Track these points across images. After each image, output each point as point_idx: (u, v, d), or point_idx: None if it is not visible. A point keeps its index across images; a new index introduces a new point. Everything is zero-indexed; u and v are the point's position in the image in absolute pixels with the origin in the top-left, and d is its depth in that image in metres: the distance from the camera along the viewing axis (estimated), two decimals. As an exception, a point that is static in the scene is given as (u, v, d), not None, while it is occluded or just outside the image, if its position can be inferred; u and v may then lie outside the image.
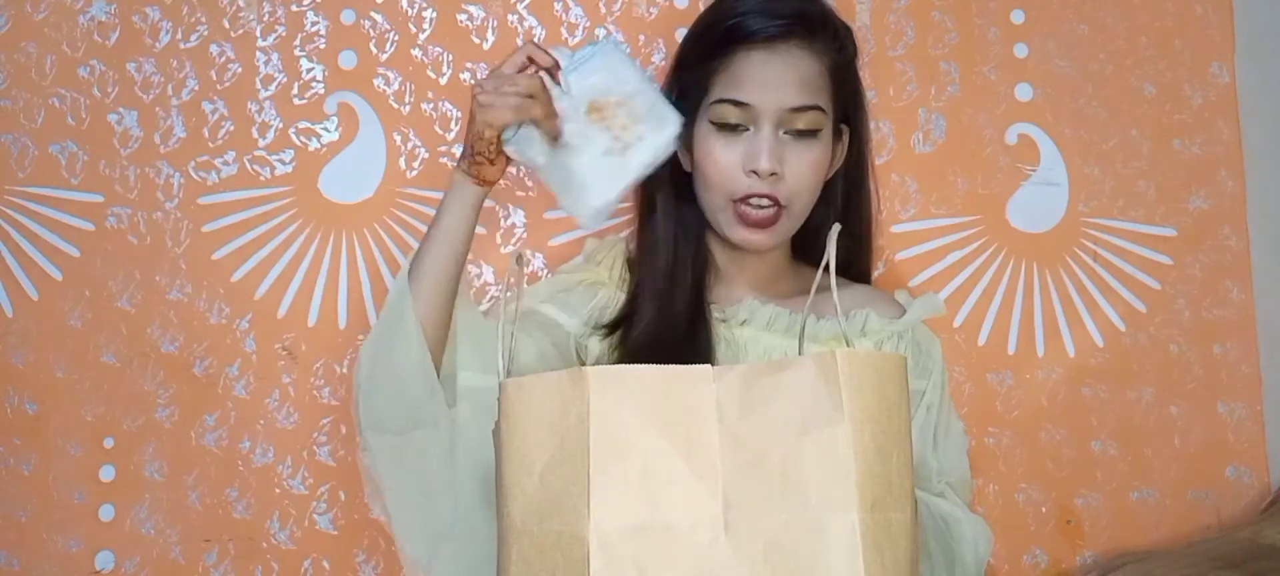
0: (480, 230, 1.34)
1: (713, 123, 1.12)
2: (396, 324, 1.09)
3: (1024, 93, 1.45)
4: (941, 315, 1.26)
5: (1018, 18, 1.45)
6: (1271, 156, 1.46)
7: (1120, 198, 1.45)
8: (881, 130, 1.41)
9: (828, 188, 1.18)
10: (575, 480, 0.74)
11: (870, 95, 1.40)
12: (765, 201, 1.10)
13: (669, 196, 1.18)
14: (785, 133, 1.10)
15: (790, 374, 0.77)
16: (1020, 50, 1.45)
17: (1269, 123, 1.47)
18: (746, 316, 1.15)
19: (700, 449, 0.75)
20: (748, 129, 1.11)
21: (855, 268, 1.25)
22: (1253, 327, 1.45)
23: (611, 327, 1.15)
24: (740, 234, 1.12)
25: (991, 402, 1.40)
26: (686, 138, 1.15)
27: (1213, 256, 1.45)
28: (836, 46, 1.15)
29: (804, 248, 1.22)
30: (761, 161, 1.08)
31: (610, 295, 1.20)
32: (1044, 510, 1.40)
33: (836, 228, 0.90)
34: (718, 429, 0.76)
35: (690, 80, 1.16)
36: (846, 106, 1.18)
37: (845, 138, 1.19)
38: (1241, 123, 1.47)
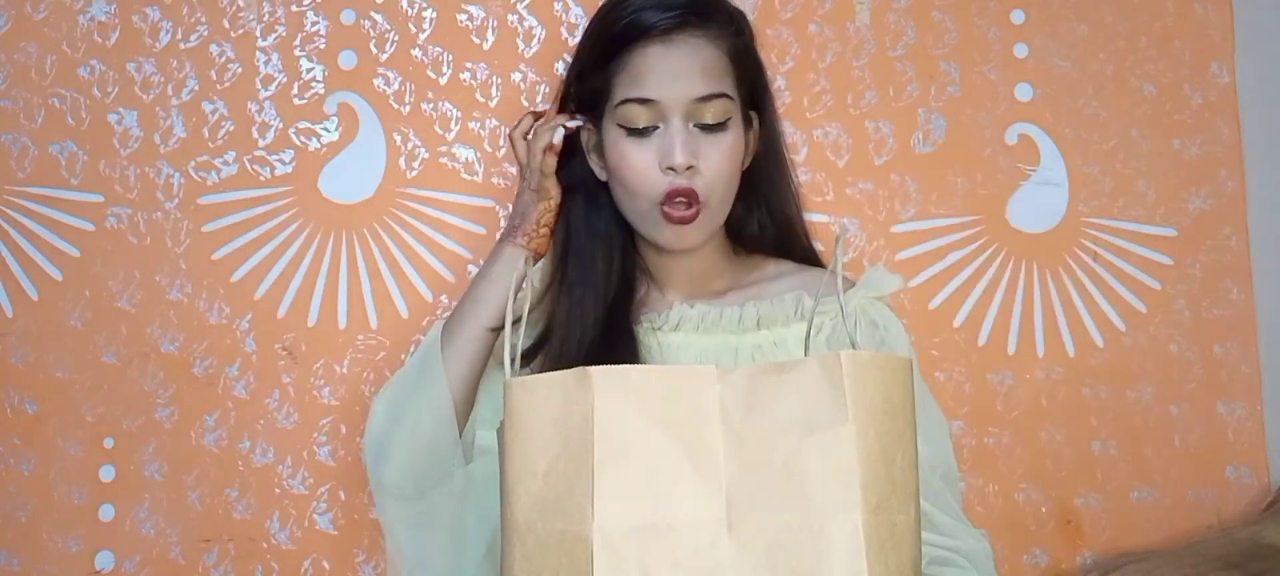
0: (480, 230, 1.35)
1: (621, 126, 1.09)
2: (426, 383, 1.10)
3: (1024, 93, 1.45)
4: (896, 289, 1.17)
5: (1018, 18, 1.45)
6: (1271, 156, 1.46)
7: (1120, 198, 1.45)
8: (882, 130, 1.41)
9: (747, 176, 1.15)
10: (579, 479, 0.74)
11: (870, 95, 1.40)
12: (683, 201, 1.07)
13: (581, 208, 1.16)
14: (695, 126, 1.08)
15: (794, 375, 0.77)
16: (1020, 50, 1.45)
17: (1269, 123, 1.47)
18: (677, 321, 1.13)
19: (703, 449, 0.75)
20: (657, 127, 1.08)
21: (795, 253, 1.21)
22: (1253, 327, 1.45)
23: (527, 356, 1.10)
24: (668, 235, 1.10)
25: (991, 402, 1.40)
26: (597, 145, 1.13)
27: (1213, 256, 1.45)
28: (733, 30, 1.12)
29: (734, 238, 1.20)
30: (676, 156, 1.06)
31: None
32: (1044, 510, 1.40)
33: (842, 234, 0.89)
34: (721, 429, 0.76)
35: (591, 87, 1.13)
36: (753, 92, 1.15)
37: (755, 125, 1.16)
38: (1241, 123, 1.47)
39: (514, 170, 1.36)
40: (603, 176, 1.15)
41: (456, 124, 1.37)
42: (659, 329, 1.13)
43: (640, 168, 1.08)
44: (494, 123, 1.37)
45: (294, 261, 1.34)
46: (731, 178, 1.11)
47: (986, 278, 1.42)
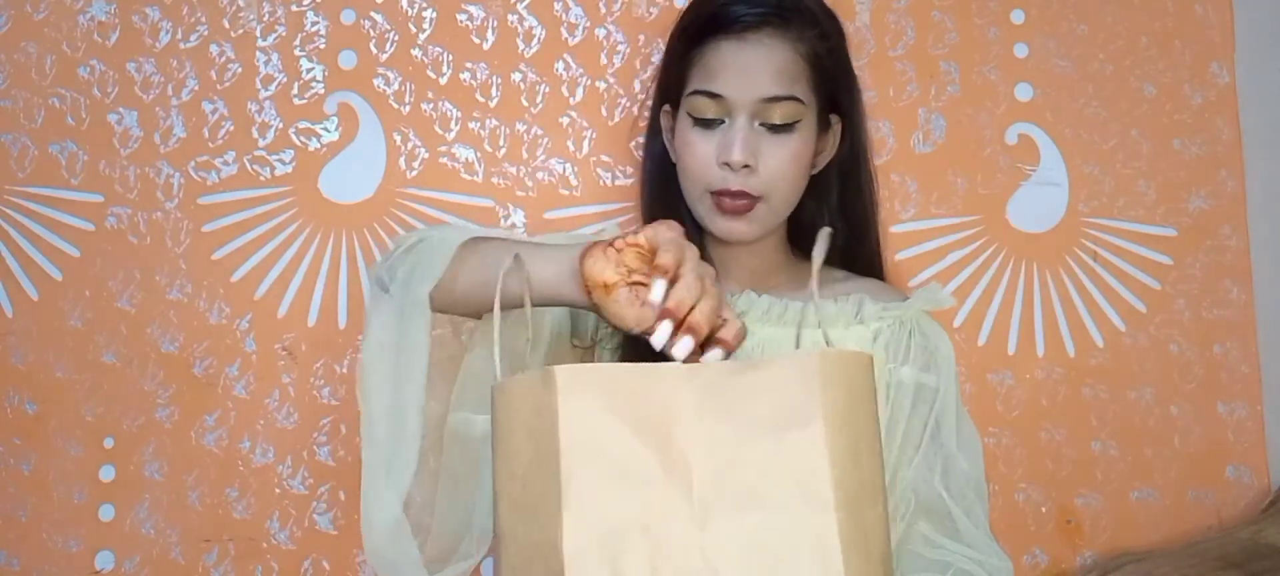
0: (480, 230, 1.35)
1: (690, 115, 1.11)
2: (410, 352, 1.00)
3: (1024, 93, 1.45)
4: (947, 307, 1.22)
5: (1018, 18, 1.45)
6: (1271, 156, 1.46)
7: (1120, 198, 1.45)
8: (881, 130, 1.41)
9: (820, 179, 1.17)
10: (549, 485, 0.73)
11: (870, 95, 1.40)
12: (739, 196, 1.09)
13: (660, 188, 1.18)
14: (761, 124, 1.09)
15: (765, 373, 0.76)
16: (1020, 50, 1.45)
17: (1269, 123, 1.47)
18: (744, 307, 1.13)
19: (674, 450, 0.74)
20: (723, 121, 1.10)
21: (859, 260, 1.21)
22: (1253, 327, 1.45)
23: (595, 331, 1.12)
24: (719, 225, 1.11)
25: (991, 402, 1.40)
26: (671, 128, 1.16)
27: (1213, 256, 1.45)
28: (816, 34, 1.12)
29: (801, 242, 1.21)
30: (733, 153, 1.07)
31: None
32: (1044, 510, 1.40)
33: (826, 231, 0.89)
34: (693, 429, 0.74)
35: (673, 74, 1.16)
36: (835, 95, 1.15)
37: (835, 128, 1.17)
38: (1241, 123, 1.47)
39: (514, 170, 1.36)
40: (674, 159, 1.17)
41: (456, 124, 1.37)
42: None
43: (700, 157, 1.10)
44: (494, 123, 1.37)
45: (294, 261, 1.34)
46: (794, 179, 1.11)
47: (986, 278, 1.42)
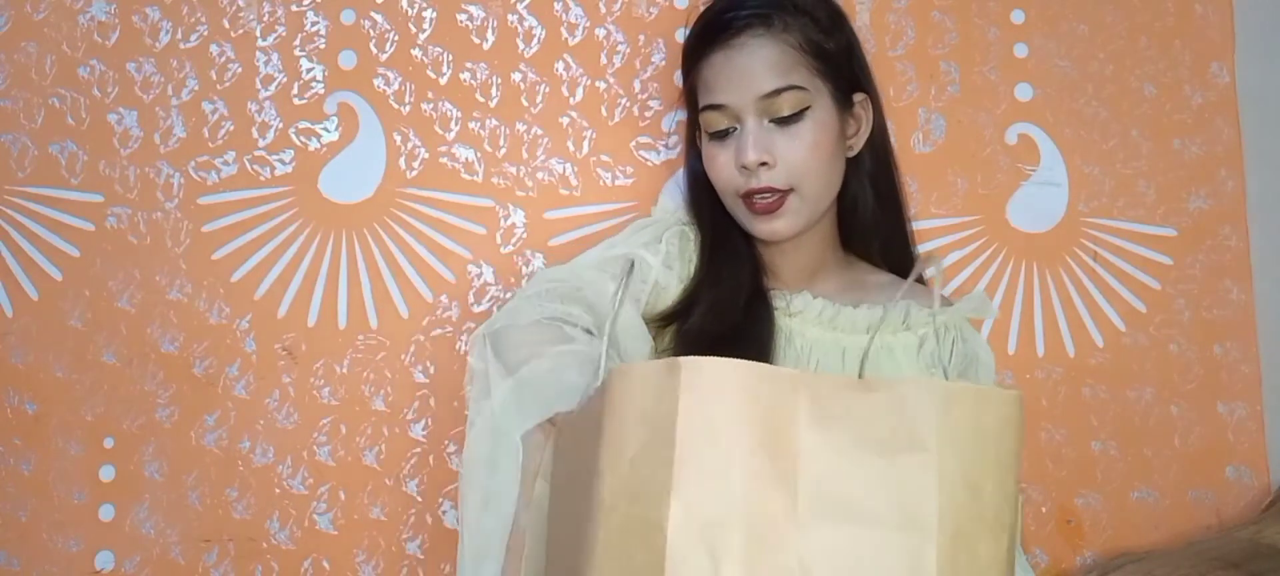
0: (480, 230, 1.35)
1: (706, 132, 1.16)
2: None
3: (1024, 93, 1.45)
4: (988, 316, 1.25)
5: (1018, 18, 1.45)
6: (1271, 156, 1.46)
7: (1120, 198, 1.45)
8: (881, 130, 1.41)
9: (855, 162, 1.18)
10: (660, 469, 0.75)
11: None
12: (766, 194, 1.11)
13: (708, 204, 1.20)
14: (770, 121, 1.10)
15: (882, 394, 0.77)
16: (1020, 50, 1.45)
17: (1269, 123, 1.47)
18: (800, 308, 1.15)
19: (785, 452, 0.75)
20: (735, 128, 1.13)
21: (893, 246, 1.23)
22: (1253, 327, 1.45)
23: (669, 318, 1.14)
24: (757, 226, 1.14)
25: (991, 402, 1.40)
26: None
27: (1213, 256, 1.45)
28: (805, 21, 1.13)
29: (849, 231, 1.22)
30: (747, 154, 1.09)
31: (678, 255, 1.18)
32: (1044, 510, 1.40)
33: (930, 263, 0.91)
34: (803, 435, 0.76)
35: (688, 97, 1.21)
36: (849, 76, 1.16)
37: (862, 106, 1.18)
38: (1241, 123, 1.47)
39: (514, 170, 1.36)
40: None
41: (456, 124, 1.37)
42: (783, 310, 1.15)
43: (721, 167, 1.13)
44: (494, 123, 1.37)
45: (294, 261, 1.34)
46: (820, 165, 1.12)
47: (986, 278, 1.42)
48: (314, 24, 1.36)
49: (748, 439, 0.75)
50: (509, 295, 1.30)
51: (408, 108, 1.37)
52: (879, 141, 1.22)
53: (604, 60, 1.39)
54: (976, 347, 1.18)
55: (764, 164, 1.09)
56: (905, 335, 1.14)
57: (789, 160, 1.10)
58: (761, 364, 0.77)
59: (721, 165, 1.13)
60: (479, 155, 1.37)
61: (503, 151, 1.37)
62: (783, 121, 1.10)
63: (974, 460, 0.76)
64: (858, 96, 1.17)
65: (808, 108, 1.10)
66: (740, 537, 0.73)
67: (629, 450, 0.77)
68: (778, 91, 1.09)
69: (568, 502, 0.87)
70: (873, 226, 1.23)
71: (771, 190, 1.10)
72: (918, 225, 1.41)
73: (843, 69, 1.15)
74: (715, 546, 0.73)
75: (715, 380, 0.76)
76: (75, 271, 1.31)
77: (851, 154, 1.17)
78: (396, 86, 1.37)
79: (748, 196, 1.11)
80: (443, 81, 1.37)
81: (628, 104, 1.38)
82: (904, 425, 0.76)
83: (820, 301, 1.15)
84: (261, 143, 1.35)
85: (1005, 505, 0.78)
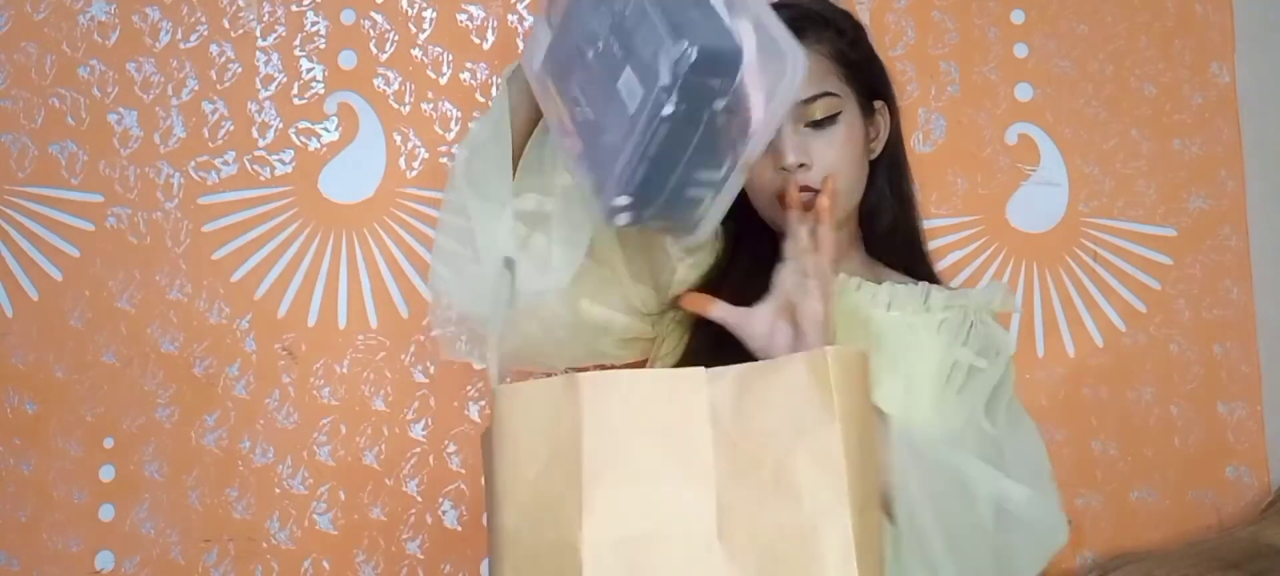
0: (480, 230, 1.35)
1: None
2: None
3: (1024, 93, 1.45)
4: (1007, 309, 1.25)
5: (1018, 18, 1.45)
6: (1271, 156, 1.46)
7: (1120, 198, 1.45)
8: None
9: (875, 165, 1.20)
10: (568, 489, 0.74)
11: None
12: (805, 189, 1.13)
13: (747, 216, 1.21)
14: (805, 126, 1.13)
15: (783, 374, 0.77)
16: (1020, 50, 1.45)
17: (1269, 123, 1.47)
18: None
19: (694, 455, 0.75)
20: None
21: (914, 245, 1.25)
22: (1253, 327, 1.45)
23: (704, 286, 1.15)
24: (792, 219, 1.15)
25: (991, 402, 1.40)
26: None
27: (1213, 256, 1.45)
28: (832, 33, 1.17)
29: (871, 232, 1.24)
30: (787, 157, 1.12)
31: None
32: (1044, 510, 1.40)
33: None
34: (712, 433, 0.76)
35: None
36: (870, 83, 1.20)
37: (881, 112, 1.21)
38: (1241, 123, 1.47)
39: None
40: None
41: (456, 124, 1.37)
42: None
43: (759, 171, 1.14)
44: (494, 123, 1.37)
45: (294, 261, 1.34)
46: (852, 164, 1.15)
47: (986, 278, 1.42)
48: (314, 24, 1.36)
49: (656, 448, 0.75)
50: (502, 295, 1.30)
51: (408, 108, 1.37)
52: (895, 146, 1.24)
53: (604, 60, 1.39)
54: (995, 333, 1.18)
55: (802, 165, 1.12)
56: (924, 315, 1.16)
57: (825, 160, 1.14)
58: (660, 370, 0.77)
59: (759, 168, 1.14)
60: (479, 155, 1.37)
61: (503, 151, 1.37)
62: (817, 125, 1.13)
63: (865, 427, 0.78)
64: (877, 103, 1.20)
65: (839, 113, 1.14)
66: (660, 551, 0.73)
67: (528, 471, 0.76)
68: (814, 98, 1.12)
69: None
70: (892, 228, 1.24)
71: (808, 188, 1.13)
72: (918, 225, 1.41)
73: (865, 77, 1.19)
74: (634, 563, 0.72)
75: (616, 392, 0.76)
76: (75, 271, 1.31)
77: (872, 156, 1.20)
78: (396, 86, 1.37)
79: (782, 194, 1.13)
80: (443, 81, 1.37)
81: (628, 104, 1.38)
82: (808, 400, 0.76)
83: (841, 275, 1.17)
84: (261, 143, 1.35)
85: (876, 472, 0.80)
